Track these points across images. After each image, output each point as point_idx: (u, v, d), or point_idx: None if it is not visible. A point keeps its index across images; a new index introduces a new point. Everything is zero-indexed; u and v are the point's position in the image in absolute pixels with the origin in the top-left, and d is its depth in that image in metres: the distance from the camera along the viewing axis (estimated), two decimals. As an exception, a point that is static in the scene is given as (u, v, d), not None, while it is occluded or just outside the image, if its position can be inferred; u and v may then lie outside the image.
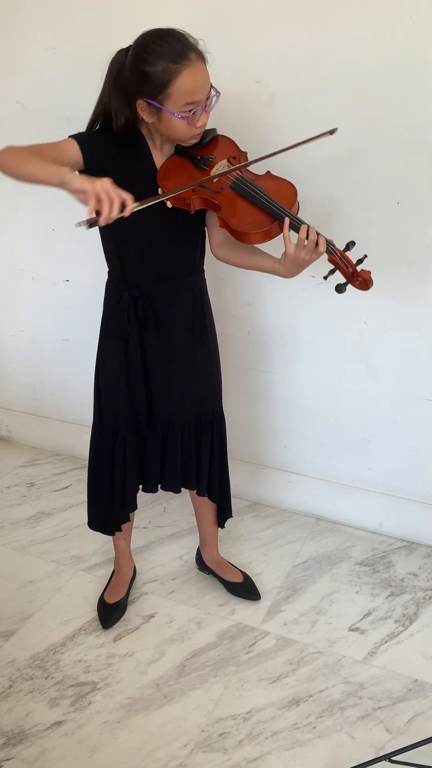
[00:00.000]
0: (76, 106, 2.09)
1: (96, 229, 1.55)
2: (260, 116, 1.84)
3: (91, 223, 1.22)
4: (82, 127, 1.49)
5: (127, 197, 1.22)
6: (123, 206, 1.22)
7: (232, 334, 2.18)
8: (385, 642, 1.79)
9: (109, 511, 1.77)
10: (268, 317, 2.12)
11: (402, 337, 1.95)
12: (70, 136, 1.43)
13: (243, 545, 2.17)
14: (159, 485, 1.77)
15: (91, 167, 1.42)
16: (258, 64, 1.79)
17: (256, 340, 2.17)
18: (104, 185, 1.20)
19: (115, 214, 1.21)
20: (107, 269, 1.62)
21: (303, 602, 1.93)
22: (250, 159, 1.51)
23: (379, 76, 1.69)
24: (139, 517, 2.25)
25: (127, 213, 1.23)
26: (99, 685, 1.68)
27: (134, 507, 1.78)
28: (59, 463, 2.68)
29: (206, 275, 1.69)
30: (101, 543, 2.15)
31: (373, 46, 1.67)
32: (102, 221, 1.21)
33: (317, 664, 1.72)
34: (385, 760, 1.33)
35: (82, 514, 2.31)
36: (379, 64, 1.68)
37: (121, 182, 1.42)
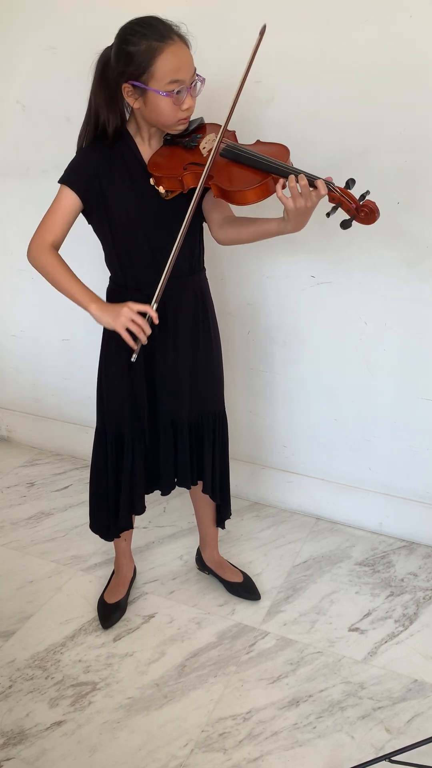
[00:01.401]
0: (76, 106, 2.09)
1: (95, 232, 1.56)
2: (260, 116, 1.84)
3: (138, 351, 1.41)
4: (81, 126, 1.49)
5: (146, 308, 1.39)
6: (149, 318, 1.39)
7: (232, 334, 2.18)
8: (385, 642, 1.79)
9: (113, 517, 1.76)
10: (268, 317, 2.12)
11: (402, 337, 1.95)
12: (60, 182, 1.48)
13: (243, 545, 2.17)
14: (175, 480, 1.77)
15: (88, 196, 1.47)
16: (258, 64, 1.79)
17: (256, 339, 2.17)
18: (127, 315, 1.38)
19: (148, 331, 1.39)
20: (108, 274, 1.63)
21: (303, 602, 1.93)
22: (237, 137, 1.50)
23: (379, 76, 1.69)
24: (139, 517, 2.25)
25: (156, 320, 1.40)
26: (99, 685, 1.68)
27: (142, 510, 1.77)
28: (59, 463, 2.68)
29: (207, 275, 1.69)
30: (101, 543, 2.15)
31: (372, 46, 1.67)
32: (144, 341, 1.40)
33: (317, 664, 1.72)
34: (385, 760, 1.33)
35: (81, 514, 2.31)
36: (378, 64, 1.68)
37: (112, 187, 1.45)
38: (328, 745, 1.51)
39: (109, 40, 1.40)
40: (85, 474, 2.52)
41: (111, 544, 2.02)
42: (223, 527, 1.95)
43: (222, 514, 1.90)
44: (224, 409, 1.78)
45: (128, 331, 1.39)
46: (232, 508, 1.92)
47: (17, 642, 1.80)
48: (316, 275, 1.98)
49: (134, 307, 1.38)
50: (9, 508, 2.39)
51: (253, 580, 1.98)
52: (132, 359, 1.41)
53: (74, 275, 1.46)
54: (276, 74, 1.79)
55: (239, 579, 1.96)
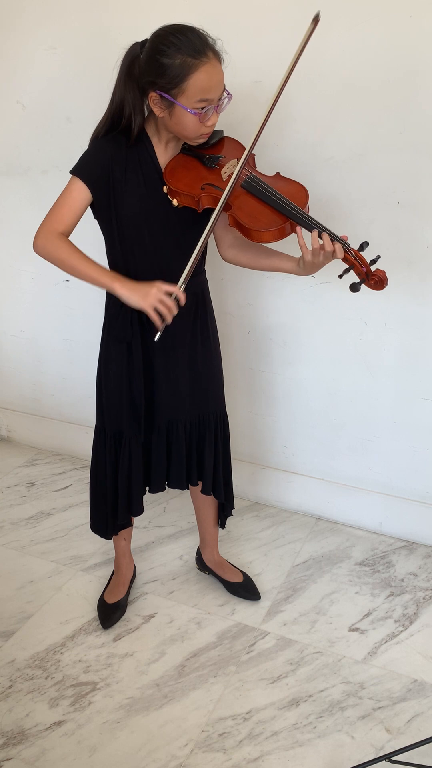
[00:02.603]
0: (77, 106, 2.10)
1: (94, 232, 1.55)
2: (260, 116, 1.84)
3: (163, 331, 1.40)
4: (82, 127, 1.49)
5: (174, 288, 1.38)
6: (177, 299, 1.38)
7: (232, 334, 2.18)
8: (385, 642, 1.79)
9: (112, 515, 1.77)
10: (268, 317, 2.12)
11: (402, 337, 1.95)
12: (72, 173, 1.45)
13: (243, 545, 2.17)
14: (166, 483, 1.77)
15: (99, 191, 1.46)
16: (258, 64, 1.79)
17: (256, 340, 2.17)
18: (156, 295, 1.36)
19: (175, 311, 1.38)
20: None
21: (303, 602, 1.93)
22: (256, 162, 1.51)
23: (379, 76, 1.69)
24: (139, 517, 2.25)
25: (183, 302, 1.40)
26: (99, 685, 1.68)
27: (141, 511, 1.77)
28: (59, 463, 2.68)
29: (206, 275, 1.69)
30: (101, 543, 2.15)
31: (373, 46, 1.67)
32: (169, 322, 1.39)
33: (317, 664, 1.72)
34: (385, 760, 1.33)
35: (81, 514, 2.31)
36: (378, 64, 1.68)
37: (125, 185, 1.44)
38: (328, 745, 1.51)
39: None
40: (85, 474, 2.52)
41: (111, 544, 2.02)
42: (223, 527, 1.95)
43: (225, 513, 1.90)
44: (225, 409, 1.78)
45: (156, 312, 1.38)
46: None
47: (17, 642, 1.80)
48: (316, 275, 1.98)
49: (163, 287, 1.37)
50: (9, 508, 2.39)
51: (253, 580, 1.98)
52: (156, 339, 1.40)
53: (89, 258, 1.43)
54: (276, 74, 1.78)
55: (239, 579, 1.96)
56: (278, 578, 2.02)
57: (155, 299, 1.36)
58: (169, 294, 1.38)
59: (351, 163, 1.80)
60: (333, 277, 1.96)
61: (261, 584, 1.98)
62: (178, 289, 1.38)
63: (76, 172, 1.45)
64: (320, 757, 1.49)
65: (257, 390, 2.24)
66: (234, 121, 1.78)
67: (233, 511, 1.91)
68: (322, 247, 1.36)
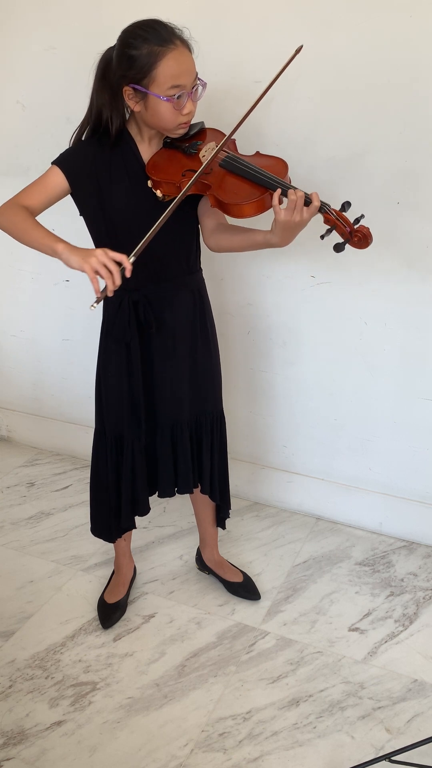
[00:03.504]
0: (76, 106, 2.09)
1: (89, 227, 1.55)
2: (259, 116, 1.84)
3: (100, 300, 1.26)
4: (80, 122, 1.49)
5: (122, 257, 1.26)
6: (123, 268, 1.27)
7: (232, 334, 2.18)
8: (385, 642, 1.79)
9: (115, 519, 1.76)
10: (268, 317, 2.12)
11: (402, 337, 1.95)
12: (53, 163, 1.47)
13: (243, 545, 2.17)
14: (175, 489, 1.76)
15: (77, 185, 1.47)
16: (258, 64, 1.79)
17: (256, 340, 2.17)
18: (98, 259, 1.25)
19: (118, 281, 1.26)
20: None
21: (303, 602, 1.93)
22: (237, 146, 1.50)
23: (379, 76, 1.69)
24: (139, 517, 2.25)
25: (128, 273, 1.27)
26: (99, 685, 1.68)
27: (147, 510, 1.76)
28: (59, 463, 2.68)
29: (206, 275, 1.69)
30: (101, 543, 2.15)
31: (372, 46, 1.67)
32: (110, 292, 1.26)
33: (317, 664, 1.72)
34: (385, 760, 1.33)
35: (81, 514, 2.31)
36: (378, 64, 1.68)
37: (108, 182, 1.45)
38: (328, 745, 1.51)
39: (109, 40, 1.40)
40: (85, 474, 2.51)
41: (111, 544, 2.02)
42: (223, 527, 1.95)
43: (222, 514, 1.90)
44: (222, 409, 1.77)
45: (98, 279, 1.27)
46: (232, 508, 1.92)
47: (17, 642, 1.80)
48: (316, 275, 1.98)
49: (110, 253, 1.26)
50: (9, 508, 2.39)
51: (253, 580, 1.98)
52: (91, 306, 1.25)
53: (37, 222, 1.39)
54: (276, 74, 1.79)
55: (239, 579, 1.96)
56: (278, 578, 2.02)
57: (98, 262, 1.25)
58: (118, 264, 1.27)
59: (351, 163, 1.80)
60: (333, 276, 1.97)
61: (261, 584, 1.98)
62: (127, 260, 1.27)
63: (56, 161, 1.47)
64: (320, 757, 1.49)
65: (257, 390, 2.24)
66: (233, 121, 1.78)
67: (233, 511, 1.91)
68: (298, 199, 1.30)
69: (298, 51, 1.36)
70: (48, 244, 1.34)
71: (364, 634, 1.81)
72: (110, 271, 1.25)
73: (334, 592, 1.97)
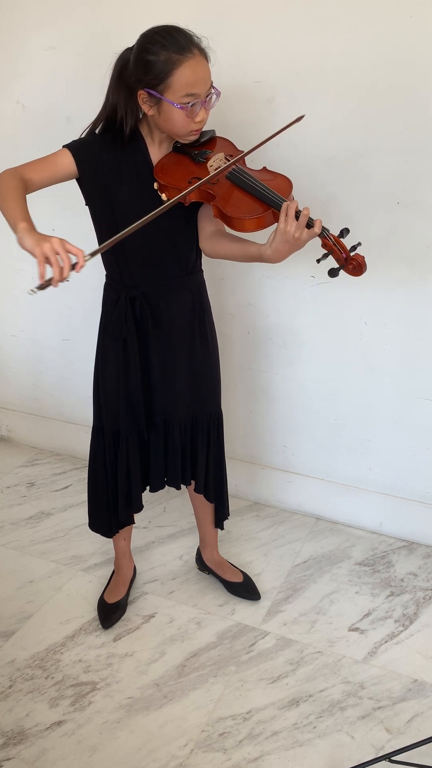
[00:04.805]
0: (77, 106, 2.10)
1: (94, 232, 1.56)
2: (260, 116, 1.84)
3: (42, 287, 1.17)
4: (81, 127, 1.50)
5: (78, 252, 1.19)
6: (74, 264, 1.19)
7: (232, 334, 2.18)
8: (385, 642, 1.79)
9: (112, 513, 1.77)
10: (268, 317, 2.12)
11: (402, 337, 1.95)
12: (64, 146, 1.47)
13: (243, 545, 2.17)
14: (165, 479, 1.77)
15: (86, 174, 1.47)
16: (258, 64, 1.80)
17: (256, 340, 2.17)
18: (52, 246, 1.17)
19: (66, 274, 1.18)
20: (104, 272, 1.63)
21: (303, 602, 1.93)
22: (246, 160, 1.52)
23: (379, 76, 1.69)
24: (139, 517, 2.25)
25: (78, 270, 1.20)
26: (99, 685, 1.68)
27: (140, 508, 1.78)
28: (59, 463, 2.68)
29: (206, 275, 1.69)
30: (101, 543, 2.15)
31: (372, 46, 1.67)
32: (54, 283, 1.18)
33: (317, 664, 1.72)
34: (385, 760, 1.33)
35: (82, 514, 2.31)
36: (378, 64, 1.68)
37: (117, 180, 1.45)
38: (328, 745, 1.51)
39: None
40: (85, 473, 2.51)
41: (111, 544, 2.02)
42: (221, 528, 1.95)
43: (219, 514, 1.91)
44: (220, 410, 1.78)
45: (46, 265, 1.20)
46: (232, 508, 1.92)
47: (17, 642, 1.80)
48: (316, 275, 1.98)
49: (67, 245, 1.19)
50: (9, 508, 2.39)
51: (253, 580, 1.98)
52: (30, 291, 1.16)
53: (22, 197, 1.33)
54: (276, 74, 1.79)
55: (239, 579, 1.96)
56: (278, 578, 2.02)
57: (51, 249, 1.18)
58: (72, 256, 1.20)
59: (351, 163, 1.80)
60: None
61: (261, 584, 1.98)
62: (83, 257, 1.20)
63: (68, 146, 1.47)
64: (320, 757, 1.49)
65: (257, 390, 2.24)
66: (233, 121, 1.78)
67: (233, 511, 1.91)
68: (302, 218, 1.31)
69: (298, 119, 1.42)
70: (14, 217, 1.27)
71: (364, 634, 1.81)
72: (62, 260, 1.18)
73: (334, 592, 1.97)
